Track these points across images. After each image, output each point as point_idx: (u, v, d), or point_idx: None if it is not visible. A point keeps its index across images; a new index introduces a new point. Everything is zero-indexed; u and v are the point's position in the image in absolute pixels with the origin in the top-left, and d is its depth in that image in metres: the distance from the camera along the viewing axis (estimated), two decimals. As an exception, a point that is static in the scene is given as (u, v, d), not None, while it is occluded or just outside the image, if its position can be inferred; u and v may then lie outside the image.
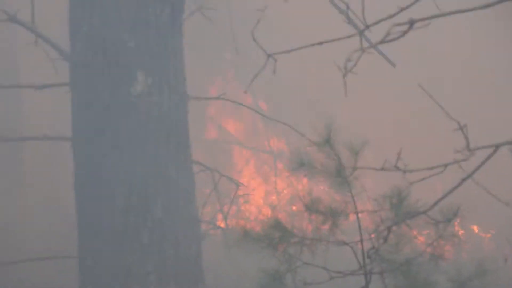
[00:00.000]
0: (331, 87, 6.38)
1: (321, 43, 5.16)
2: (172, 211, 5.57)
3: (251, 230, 5.48)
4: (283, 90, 12.26)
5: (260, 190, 11.56)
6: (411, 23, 5.02)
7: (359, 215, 5.38)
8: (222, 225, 6.55)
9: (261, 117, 10.52)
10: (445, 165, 4.96)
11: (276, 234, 5.67)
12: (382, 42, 5.09)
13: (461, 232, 5.35)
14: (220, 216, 6.85)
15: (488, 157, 4.94)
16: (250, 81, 5.50)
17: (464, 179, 5.07)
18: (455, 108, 5.94)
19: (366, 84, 6.05)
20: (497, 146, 4.98)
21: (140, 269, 5.58)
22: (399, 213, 5.21)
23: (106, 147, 5.52)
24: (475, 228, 9.83)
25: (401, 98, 7.60)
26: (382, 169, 5.14)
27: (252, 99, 11.41)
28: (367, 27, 5.18)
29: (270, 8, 7.31)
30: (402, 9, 5.20)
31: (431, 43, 12.69)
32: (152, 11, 5.50)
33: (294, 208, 5.71)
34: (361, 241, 5.32)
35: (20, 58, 13.36)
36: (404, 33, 5.07)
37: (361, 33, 5.16)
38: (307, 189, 5.90)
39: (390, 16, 5.18)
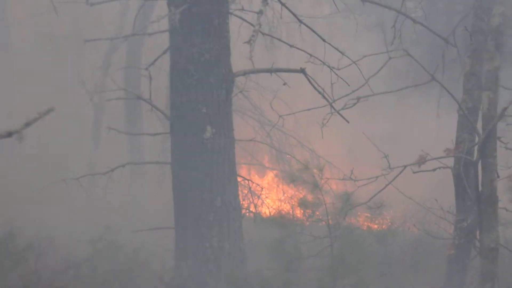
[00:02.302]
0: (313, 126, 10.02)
1: (308, 109, 9.18)
2: (226, 203, 9.48)
3: (269, 216, 9.48)
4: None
5: (274, 192, 16.11)
6: (358, 99, 9.07)
7: (327, 205, 9.36)
8: (253, 210, 10.48)
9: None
10: (376, 177, 8.97)
11: (279, 218, 9.66)
12: (342, 109, 9.13)
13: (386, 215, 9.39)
14: (252, 206, 10.74)
15: (399, 173, 8.95)
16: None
17: (387, 185, 9.04)
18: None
19: (332, 128, 9.84)
20: (405, 166, 9.01)
21: (208, 235, 9.40)
22: (350, 203, 9.22)
23: (191, 168, 9.47)
24: (397, 215, 13.83)
25: (355, 137, 11.32)
26: (342, 179, 9.18)
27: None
28: (334, 101, 9.22)
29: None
30: (353, 91, 9.24)
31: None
32: (215, 92, 9.54)
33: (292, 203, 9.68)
34: (328, 219, 9.28)
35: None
36: (354, 104, 9.12)
37: (330, 104, 9.21)
38: (296, 193, 9.96)
39: (346, 95, 9.23)
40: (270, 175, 18.06)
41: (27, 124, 4.16)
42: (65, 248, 11.35)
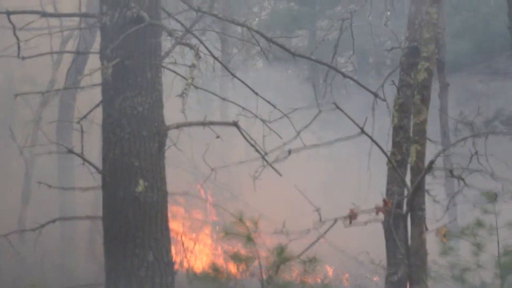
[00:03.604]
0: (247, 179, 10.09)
1: (240, 162, 9.24)
2: (158, 258, 9.39)
3: (202, 271, 9.49)
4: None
5: (208, 246, 16.08)
6: (289, 152, 9.17)
7: (260, 259, 9.37)
8: (186, 265, 10.44)
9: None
10: (308, 230, 9.03)
11: (213, 273, 9.64)
12: (273, 162, 9.22)
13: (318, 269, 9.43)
14: (184, 261, 10.69)
15: (330, 227, 9.03)
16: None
17: (318, 238, 9.11)
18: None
19: (267, 181, 9.97)
20: (335, 220, 9.10)
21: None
22: (283, 257, 9.25)
23: (123, 222, 9.38)
24: (329, 269, 13.91)
25: (288, 190, 11.42)
26: (275, 232, 9.21)
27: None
28: (266, 153, 9.30)
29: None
30: (284, 144, 9.33)
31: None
32: (148, 146, 9.53)
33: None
34: (261, 273, 9.29)
35: None
36: (286, 157, 9.21)
37: (263, 156, 9.29)
38: (230, 247, 9.98)
39: (278, 147, 9.32)
40: (203, 229, 18.05)
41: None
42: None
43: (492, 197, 10.68)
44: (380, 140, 10.07)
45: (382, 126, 14.22)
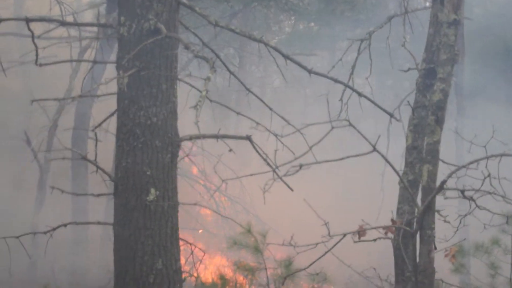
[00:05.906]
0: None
1: (251, 175, 9.29)
2: (167, 265, 9.45)
3: (211, 281, 9.56)
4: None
5: (218, 257, 16.21)
6: (300, 166, 9.20)
7: (268, 271, 9.42)
8: (195, 274, 10.48)
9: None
10: (316, 244, 9.06)
11: (221, 282, 9.69)
12: (284, 175, 9.25)
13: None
14: (194, 270, 10.72)
15: (338, 241, 9.06)
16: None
17: (326, 252, 9.14)
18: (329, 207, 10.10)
19: (278, 195, 9.99)
20: (344, 235, 9.12)
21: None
22: (290, 269, 9.29)
23: (134, 229, 9.47)
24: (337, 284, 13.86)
25: (299, 205, 11.48)
26: (283, 244, 9.25)
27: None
28: (277, 167, 9.35)
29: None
30: (296, 158, 9.37)
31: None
32: (160, 156, 9.60)
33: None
34: (268, 285, 9.33)
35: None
36: (296, 171, 9.24)
37: (274, 170, 9.34)
38: (240, 259, 10.05)
39: (289, 161, 9.36)
40: (214, 239, 18.10)
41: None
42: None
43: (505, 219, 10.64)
44: (394, 162, 10.08)
45: (398, 148, 14.27)
